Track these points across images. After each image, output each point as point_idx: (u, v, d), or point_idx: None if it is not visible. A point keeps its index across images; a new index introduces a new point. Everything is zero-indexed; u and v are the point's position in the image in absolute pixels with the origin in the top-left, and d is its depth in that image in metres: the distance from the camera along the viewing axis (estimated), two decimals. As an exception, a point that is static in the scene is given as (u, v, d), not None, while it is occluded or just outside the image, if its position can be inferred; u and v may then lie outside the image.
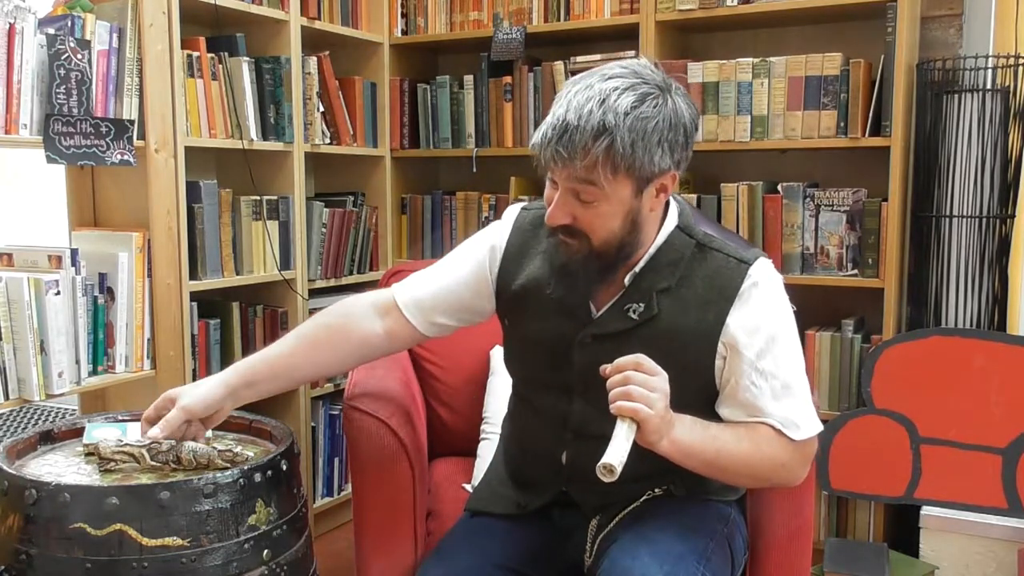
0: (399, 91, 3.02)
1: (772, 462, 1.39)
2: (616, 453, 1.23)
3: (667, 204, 1.45)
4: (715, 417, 1.43)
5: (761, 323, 1.39)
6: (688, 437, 1.33)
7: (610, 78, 1.32)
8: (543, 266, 1.51)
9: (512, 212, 1.60)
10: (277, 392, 1.58)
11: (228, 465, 1.42)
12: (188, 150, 2.32)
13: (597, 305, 1.46)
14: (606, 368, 1.30)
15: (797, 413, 1.39)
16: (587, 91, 1.31)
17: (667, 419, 1.30)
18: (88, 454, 1.49)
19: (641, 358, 1.29)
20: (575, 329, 1.45)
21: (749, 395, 1.39)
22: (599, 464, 1.21)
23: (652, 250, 1.43)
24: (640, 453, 1.43)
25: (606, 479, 1.21)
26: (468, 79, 2.94)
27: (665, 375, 1.30)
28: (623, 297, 1.43)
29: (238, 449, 1.44)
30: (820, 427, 1.43)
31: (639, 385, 1.27)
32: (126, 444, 1.42)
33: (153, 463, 1.41)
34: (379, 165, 3.05)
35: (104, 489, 1.38)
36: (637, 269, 1.42)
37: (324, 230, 2.80)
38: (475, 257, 1.58)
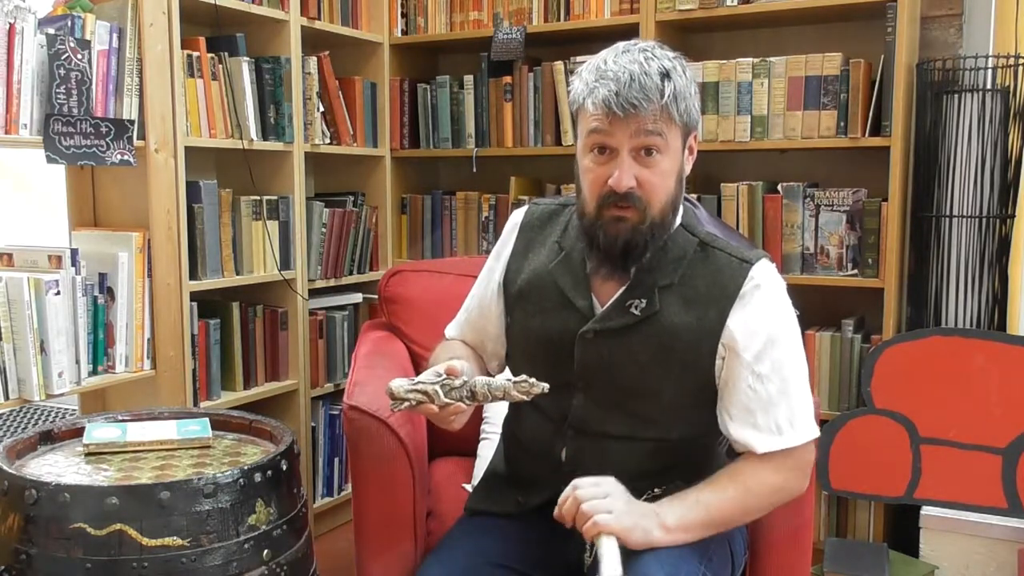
0: (399, 91, 3.02)
1: (765, 492, 1.40)
2: (611, 569, 1.23)
3: None
4: (714, 418, 1.43)
5: (760, 326, 1.39)
6: (676, 515, 1.34)
7: (635, 43, 1.39)
8: (548, 259, 1.51)
9: (518, 215, 1.62)
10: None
11: (524, 397, 1.32)
12: (188, 150, 2.32)
13: (601, 301, 1.46)
14: (556, 512, 1.33)
15: (791, 419, 1.39)
16: (627, 52, 1.37)
17: (640, 511, 1.32)
18: (393, 398, 1.35)
19: (575, 481, 1.33)
20: (578, 324, 1.45)
21: (745, 398, 1.39)
22: None
23: (659, 246, 1.43)
24: (641, 452, 1.44)
25: None
26: (468, 79, 2.94)
27: (610, 478, 1.33)
28: (625, 293, 1.44)
29: (532, 380, 1.32)
30: (815, 434, 1.42)
31: (588, 499, 1.30)
32: (419, 382, 1.34)
33: (447, 400, 1.32)
34: (379, 165, 3.05)
35: (104, 489, 1.38)
36: (642, 263, 1.42)
37: (324, 230, 2.80)
38: (487, 278, 1.63)
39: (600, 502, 1.30)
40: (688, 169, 1.44)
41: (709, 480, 1.39)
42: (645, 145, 1.35)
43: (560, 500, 1.33)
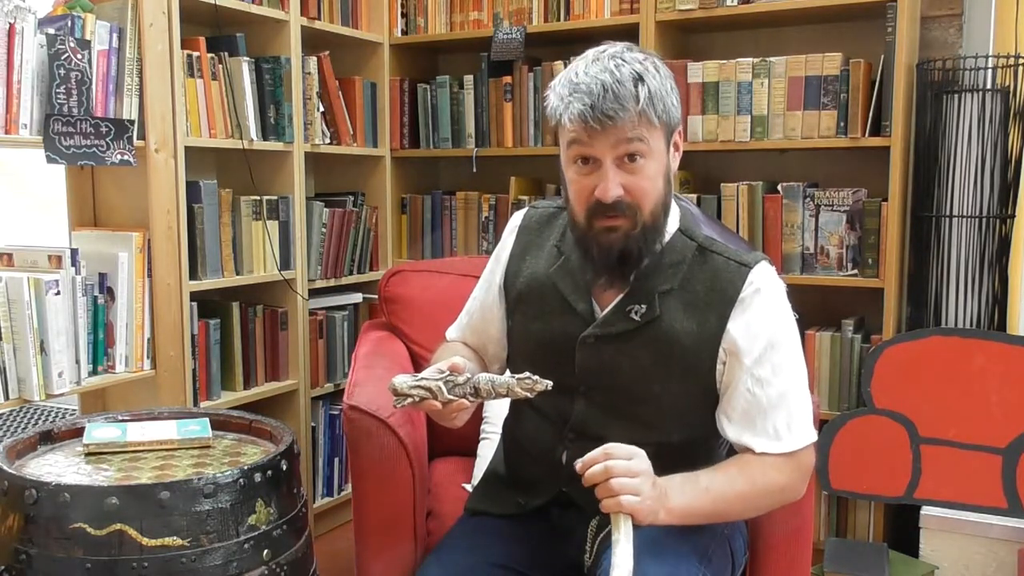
0: (399, 91, 3.02)
1: (770, 489, 1.39)
2: (624, 564, 1.20)
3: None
4: (715, 421, 1.43)
5: (761, 330, 1.39)
6: (683, 501, 1.32)
7: (604, 50, 1.37)
8: (548, 263, 1.51)
9: (517, 217, 1.62)
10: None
11: (528, 393, 1.30)
12: (188, 150, 2.32)
13: (601, 305, 1.46)
14: (578, 464, 1.28)
15: (790, 424, 1.39)
16: (597, 62, 1.34)
17: (657, 493, 1.28)
18: (396, 394, 1.34)
19: (609, 446, 1.28)
20: (578, 329, 1.45)
21: (744, 402, 1.39)
22: None
23: (656, 249, 1.43)
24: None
25: None
26: (468, 79, 2.94)
27: (642, 452, 1.29)
28: (626, 298, 1.43)
29: (536, 377, 1.30)
30: (813, 439, 1.42)
31: (620, 474, 1.25)
32: (423, 379, 1.32)
33: (450, 396, 1.31)
34: (379, 165, 3.05)
35: (104, 489, 1.38)
36: (641, 268, 1.42)
37: (324, 230, 2.80)
38: (488, 280, 1.63)
39: (631, 482, 1.25)
40: (675, 166, 1.43)
41: (720, 467, 1.39)
42: (628, 152, 1.33)
43: (588, 458, 1.27)
